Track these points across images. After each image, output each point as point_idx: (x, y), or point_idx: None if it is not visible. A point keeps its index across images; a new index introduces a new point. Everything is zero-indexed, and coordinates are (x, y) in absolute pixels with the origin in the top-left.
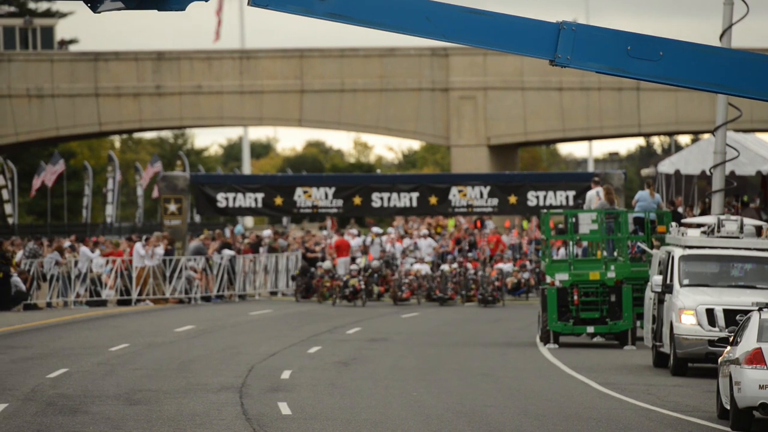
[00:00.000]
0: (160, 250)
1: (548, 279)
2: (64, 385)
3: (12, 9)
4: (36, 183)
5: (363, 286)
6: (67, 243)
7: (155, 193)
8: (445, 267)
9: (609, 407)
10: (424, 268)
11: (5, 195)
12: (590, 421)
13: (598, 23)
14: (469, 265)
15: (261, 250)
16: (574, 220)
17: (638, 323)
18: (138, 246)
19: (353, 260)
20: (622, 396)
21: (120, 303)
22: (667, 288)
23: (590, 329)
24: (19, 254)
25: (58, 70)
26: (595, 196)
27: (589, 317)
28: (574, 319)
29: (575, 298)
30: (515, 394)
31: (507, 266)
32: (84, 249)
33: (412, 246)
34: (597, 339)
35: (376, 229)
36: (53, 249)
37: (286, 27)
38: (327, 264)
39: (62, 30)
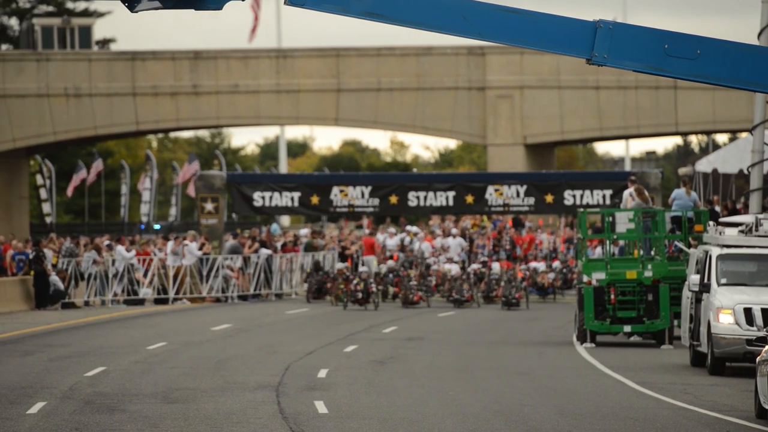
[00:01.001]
0: (194, 248)
1: (585, 278)
2: (101, 383)
3: (51, 9)
4: (73, 182)
5: (375, 289)
6: (105, 242)
7: (191, 192)
8: (474, 266)
9: (646, 406)
10: (454, 268)
11: (43, 194)
12: (627, 420)
13: (634, 22)
14: (495, 265)
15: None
16: (610, 219)
17: (675, 322)
18: (170, 244)
19: (391, 258)
20: (659, 395)
21: (157, 302)
22: (705, 287)
23: (627, 328)
24: (49, 253)
25: (95, 70)
26: (629, 195)
27: (626, 316)
28: (611, 318)
29: (612, 297)
30: (552, 393)
31: (540, 265)
32: (120, 248)
33: (445, 245)
34: (634, 338)
35: (414, 229)
36: (90, 248)
37: (322, 26)
38: (340, 265)
39: (100, 29)
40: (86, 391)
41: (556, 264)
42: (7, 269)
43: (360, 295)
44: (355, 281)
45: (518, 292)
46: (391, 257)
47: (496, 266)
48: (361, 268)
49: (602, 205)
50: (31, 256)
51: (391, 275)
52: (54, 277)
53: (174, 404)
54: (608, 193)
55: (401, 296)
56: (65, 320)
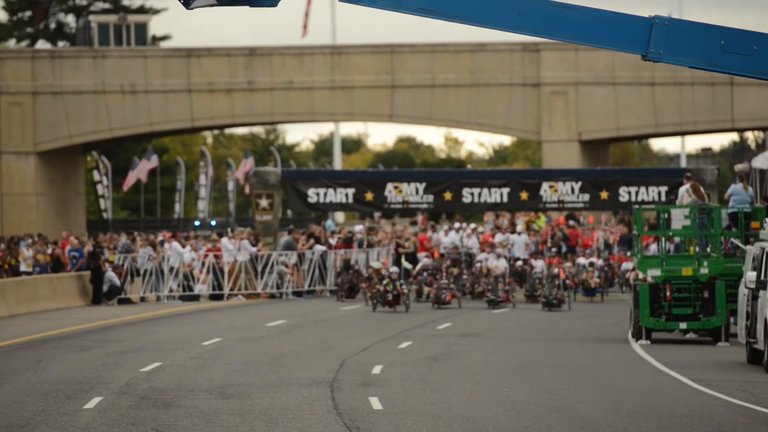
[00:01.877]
0: (247, 244)
1: (640, 275)
2: (157, 378)
3: (107, 6)
4: (129, 178)
5: (405, 290)
6: (159, 238)
7: (247, 189)
8: (535, 262)
9: (702, 404)
10: (502, 265)
11: (100, 190)
12: (683, 417)
13: (690, 17)
14: (539, 263)
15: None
16: (666, 215)
17: (731, 319)
18: (224, 240)
19: (441, 257)
20: (716, 393)
21: (212, 298)
22: (762, 284)
23: (683, 325)
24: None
25: (151, 66)
26: (685, 192)
27: (681, 313)
28: (666, 315)
29: (668, 294)
30: (607, 390)
31: (585, 261)
32: (175, 244)
33: (505, 242)
34: (690, 335)
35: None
36: (146, 244)
37: (376, 22)
38: (377, 264)
39: (155, 26)
40: (142, 387)
41: (599, 261)
42: (65, 265)
43: (390, 296)
44: (384, 282)
45: (560, 292)
46: (433, 255)
47: (539, 264)
48: (391, 269)
49: (657, 201)
50: (85, 252)
51: (425, 273)
52: (110, 273)
53: (229, 400)
54: (663, 189)
55: (433, 296)
56: (121, 316)
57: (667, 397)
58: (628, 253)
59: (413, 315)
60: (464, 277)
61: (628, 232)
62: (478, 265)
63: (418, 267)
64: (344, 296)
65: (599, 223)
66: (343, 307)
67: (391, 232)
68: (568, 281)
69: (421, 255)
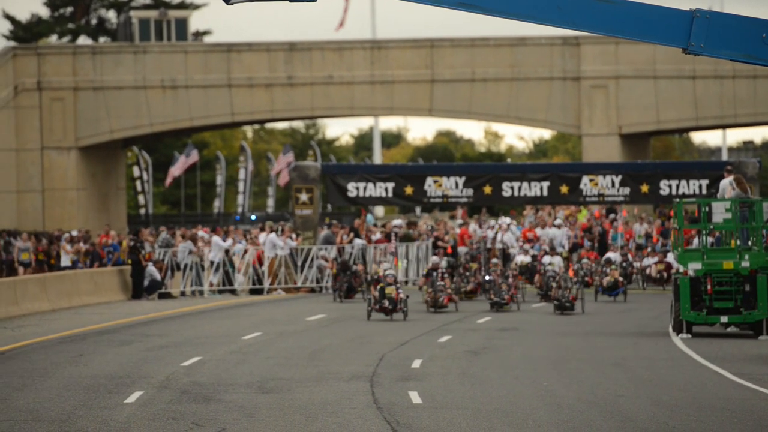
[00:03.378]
0: (289, 240)
1: (681, 268)
2: (197, 373)
3: (148, 1)
4: (171, 173)
5: (403, 296)
6: (200, 232)
7: (282, 182)
8: (519, 258)
9: (744, 398)
10: (527, 261)
11: (139, 186)
12: (724, 411)
13: (731, 10)
14: (556, 259)
15: (392, 239)
16: (707, 209)
17: None
18: (273, 237)
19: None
20: (758, 387)
21: (252, 292)
22: None
23: (724, 319)
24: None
25: (191, 62)
26: (728, 185)
27: (722, 307)
28: (707, 309)
29: (708, 287)
30: (647, 383)
31: (616, 255)
32: (216, 238)
33: (545, 237)
34: (731, 329)
35: (506, 219)
36: (187, 238)
37: (416, 17)
38: (385, 266)
39: (196, 22)
40: (182, 381)
41: (614, 255)
42: (104, 259)
43: (386, 302)
44: (380, 286)
45: (571, 293)
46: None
47: (556, 260)
48: (388, 271)
49: (698, 195)
50: (123, 246)
51: (434, 273)
52: (151, 268)
53: (269, 394)
54: (704, 183)
55: (430, 299)
56: (161, 310)
57: (708, 391)
58: (648, 248)
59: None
60: (467, 274)
61: (663, 226)
62: (494, 260)
63: (428, 266)
64: (342, 297)
65: (633, 217)
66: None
67: (430, 227)
68: (587, 278)
69: (462, 249)
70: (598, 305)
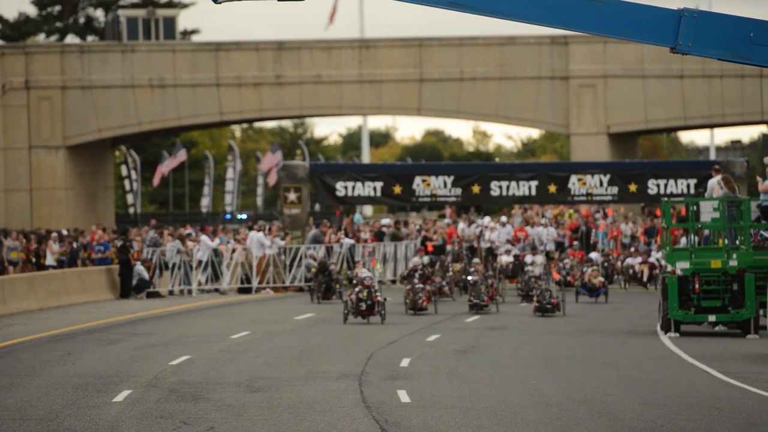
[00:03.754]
0: (278, 239)
1: (669, 267)
2: (186, 372)
3: (136, 0)
4: (159, 172)
5: (381, 299)
6: (187, 232)
7: (270, 181)
8: (505, 258)
9: (731, 396)
10: (505, 259)
11: (127, 185)
12: (712, 410)
13: (719, 9)
14: (538, 258)
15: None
16: (695, 208)
17: (761, 312)
18: (260, 236)
19: (471, 251)
20: (745, 385)
21: (240, 291)
22: None
23: (712, 318)
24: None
25: (179, 61)
26: (716, 185)
27: (710, 306)
28: (695, 308)
29: (696, 286)
30: (636, 382)
31: (597, 255)
32: (204, 237)
33: (534, 235)
34: (719, 328)
35: (485, 220)
36: (175, 238)
37: (404, 16)
38: (364, 272)
39: (184, 20)
40: (171, 380)
41: (596, 255)
42: (93, 259)
43: (363, 306)
44: (357, 289)
45: (553, 296)
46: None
47: (539, 259)
48: (363, 273)
49: (686, 194)
50: (112, 246)
51: (416, 274)
52: (139, 267)
53: (257, 393)
54: (693, 182)
55: (409, 301)
56: (150, 309)
57: (696, 390)
58: (632, 249)
59: (445, 308)
60: (449, 275)
61: (651, 225)
62: (475, 260)
63: (409, 267)
64: (320, 297)
65: (620, 216)
66: None
67: (418, 226)
68: (569, 278)
69: (450, 248)
70: (579, 306)
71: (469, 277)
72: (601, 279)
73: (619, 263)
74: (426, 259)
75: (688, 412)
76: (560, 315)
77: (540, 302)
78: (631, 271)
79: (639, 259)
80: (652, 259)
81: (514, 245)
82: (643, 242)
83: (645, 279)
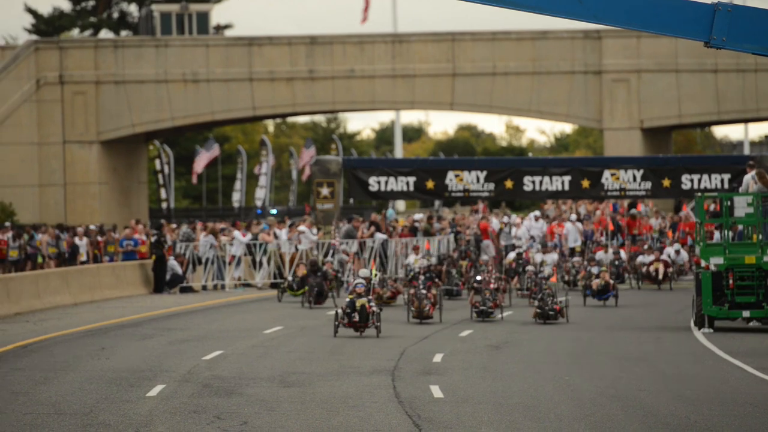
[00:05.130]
0: (309, 233)
1: (703, 263)
2: (219, 367)
3: None
4: (195, 167)
5: (376, 309)
6: (222, 227)
7: (305, 177)
8: (512, 255)
9: (766, 392)
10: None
11: (160, 180)
12: (746, 406)
13: (754, 4)
14: (549, 257)
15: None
16: (729, 203)
17: None
18: (305, 230)
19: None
20: None
21: (273, 286)
22: None
23: (746, 313)
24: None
25: (213, 55)
26: (750, 180)
27: (744, 301)
28: (729, 304)
29: (730, 282)
30: (669, 378)
31: (604, 255)
32: (237, 233)
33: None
34: (753, 323)
35: (513, 217)
36: (207, 233)
37: (437, 10)
38: (364, 272)
39: (217, 15)
40: (204, 375)
41: (601, 254)
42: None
43: (356, 316)
44: (348, 299)
45: (556, 302)
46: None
47: (549, 259)
48: (357, 278)
49: (720, 189)
50: (149, 240)
51: (422, 277)
52: (172, 262)
53: (290, 388)
54: (726, 177)
55: (414, 308)
56: (183, 304)
57: (730, 386)
58: (645, 246)
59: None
60: (456, 278)
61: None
62: (484, 258)
63: (415, 269)
64: (312, 302)
65: (651, 211)
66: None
67: (459, 219)
68: (577, 278)
69: (486, 243)
70: (586, 311)
71: (478, 277)
72: (610, 281)
73: (629, 261)
74: (434, 258)
75: (722, 408)
76: (563, 322)
77: (542, 308)
78: (644, 269)
79: (651, 257)
80: (664, 256)
81: (539, 243)
82: (671, 238)
83: (660, 277)
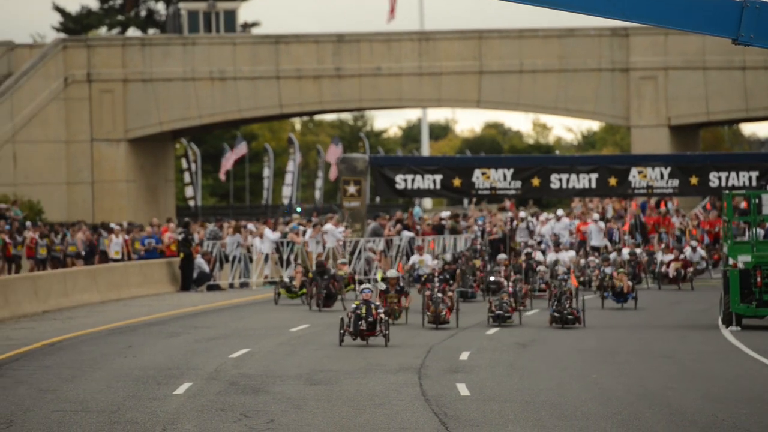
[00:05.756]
0: (335, 231)
1: (731, 261)
2: (246, 365)
3: None
4: (224, 167)
5: (383, 316)
6: (249, 225)
7: (332, 175)
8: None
9: None
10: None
11: (186, 178)
12: None
13: None
14: (564, 256)
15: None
16: (757, 201)
17: None
18: (330, 227)
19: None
20: None
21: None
22: None
23: None
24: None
25: (240, 53)
26: None
27: None
28: (757, 302)
29: (758, 279)
30: (697, 376)
31: (622, 256)
32: (267, 231)
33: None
34: None
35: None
36: (235, 231)
37: (464, 8)
38: (393, 273)
39: (244, 13)
40: (231, 373)
41: (614, 254)
42: (164, 252)
43: (363, 324)
44: (355, 305)
45: (573, 306)
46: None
47: (566, 257)
48: (364, 285)
49: (748, 187)
50: (178, 238)
51: (436, 279)
52: (199, 260)
53: (317, 386)
54: (754, 174)
55: (430, 313)
56: (210, 302)
57: (758, 384)
58: (662, 244)
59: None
60: (471, 279)
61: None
62: (501, 256)
63: (426, 270)
64: (321, 305)
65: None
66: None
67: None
68: (592, 278)
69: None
70: (605, 314)
71: (491, 278)
72: (629, 282)
73: (645, 260)
74: (448, 256)
75: (750, 406)
76: (580, 327)
77: (560, 312)
78: (664, 269)
79: (671, 255)
80: (685, 256)
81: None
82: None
83: (681, 277)
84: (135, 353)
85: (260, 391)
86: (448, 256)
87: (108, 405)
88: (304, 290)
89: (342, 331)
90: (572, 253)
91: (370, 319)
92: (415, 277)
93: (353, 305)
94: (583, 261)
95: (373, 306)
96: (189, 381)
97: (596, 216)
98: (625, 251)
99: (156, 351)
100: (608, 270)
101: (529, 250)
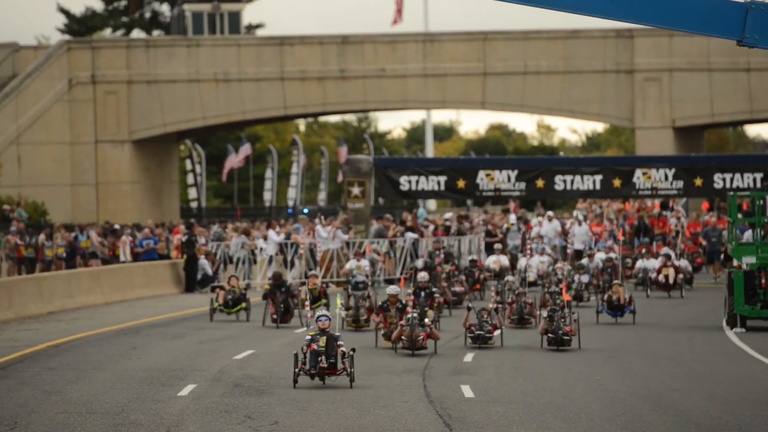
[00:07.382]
0: (341, 233)
1: (735, 262)
2: (250, 366)
3: None
4: (227, 166)
5: (346, 350)
6: (244, 225)
7: (341, 177)
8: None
9: None
10: (502, 263)
11: (190, 179)
12: None
13: None
14: (539, 258)
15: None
16: (761, 202)
17: None
18: (319, 228)
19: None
20: None
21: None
22: None
23: None
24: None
25: (244, 55)
26: None
27: None
28: (761, 303)
29: (763, 281)
30: (701, 378)
31: (594, 263)
32: (271, 232)
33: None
34: None
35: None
36: (240, 232)
37: (468, 9)
38: (393, 289)
39: (249, 15)
40: (235, 374)
41: (598, 257)
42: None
43: (323, 361)
44: (309, 337)
45: (567, 323)
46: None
47: (536, 262)
48: (321, 312)
49: (753, 188)
50: (182, 239)
51: (422, 293)
52: (203, 261)
53: (322, 387)
54: (759, 176)
55: (405, 339)
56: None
57: (763, 386)
58: (644, 249)
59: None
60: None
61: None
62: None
63: (362, 278)
64: (278, 321)
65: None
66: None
67: (488, 219)
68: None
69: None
70: (598, 331)
71: (455, 289)
72: (626, 296)
73: (621, 264)
74: (420, 262)
75: (755, 408)
76: (575, 349)
77: (554, 332)
78: (653, 276)
79: (655, 261)
80: (672, 262)
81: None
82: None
83: (671, 282)
84: (139, 355)
85: (264, 393)
86: (420, 263)
87: (112, 406)
88: (243, 305)
89: (297, 370)
90: (545, 257)
91: (332, 360)
92: (353, 284)
93: (307, 336)
94: (551, 268)
95: (333, 337)
96: (193, 382)
97: (580, 216)
98: (599, 256)
99: (160, 352)
100: (585, 279)
101: (474, 257)
